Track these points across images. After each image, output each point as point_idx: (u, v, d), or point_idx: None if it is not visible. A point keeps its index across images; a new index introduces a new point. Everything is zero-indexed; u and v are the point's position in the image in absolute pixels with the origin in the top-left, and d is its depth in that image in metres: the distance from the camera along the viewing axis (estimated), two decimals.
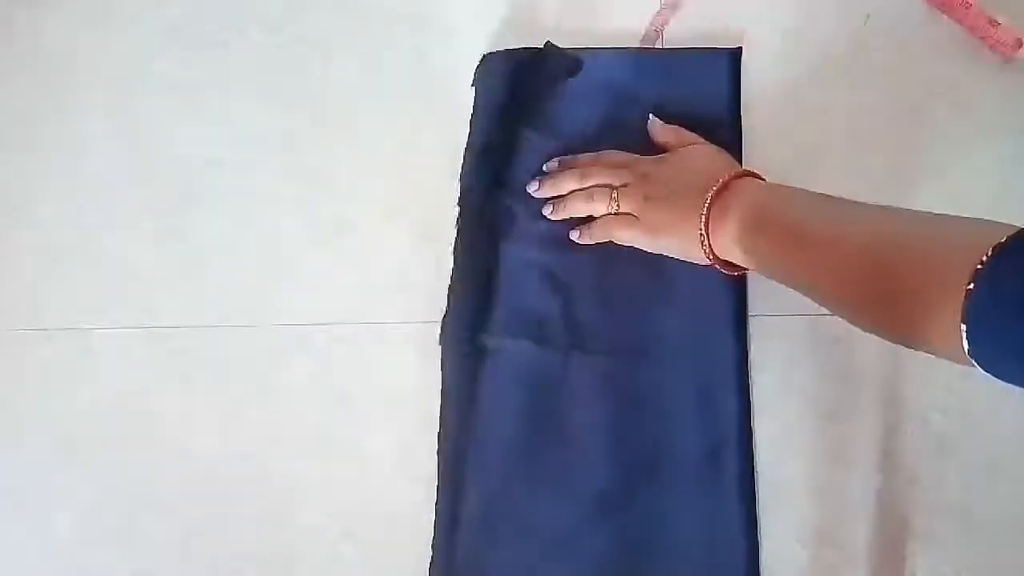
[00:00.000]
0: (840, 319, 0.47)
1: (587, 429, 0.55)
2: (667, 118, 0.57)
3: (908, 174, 0.57)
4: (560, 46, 0.59)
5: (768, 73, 0.59)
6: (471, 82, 0.59)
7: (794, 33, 0.59)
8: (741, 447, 0.53)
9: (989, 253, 0.34)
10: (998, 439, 0.53)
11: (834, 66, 0.59)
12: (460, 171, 0.59)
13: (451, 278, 0.57)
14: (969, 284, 0.34)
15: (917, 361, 0.53)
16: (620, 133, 0.58)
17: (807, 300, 0.48)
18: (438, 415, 0.56)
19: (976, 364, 0.35)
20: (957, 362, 0.36)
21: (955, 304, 0.34)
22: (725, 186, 0.50)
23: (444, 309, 0.57)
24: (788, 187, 0.50)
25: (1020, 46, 0.56)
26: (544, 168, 0.58)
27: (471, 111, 0.59)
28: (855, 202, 0.46)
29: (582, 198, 0.55)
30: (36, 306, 0.61)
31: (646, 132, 0.57)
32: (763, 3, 0.60)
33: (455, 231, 0.58)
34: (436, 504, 0.55)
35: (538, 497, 0.54)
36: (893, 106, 0.58)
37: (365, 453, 0.57)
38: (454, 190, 0.59)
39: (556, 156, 0.58)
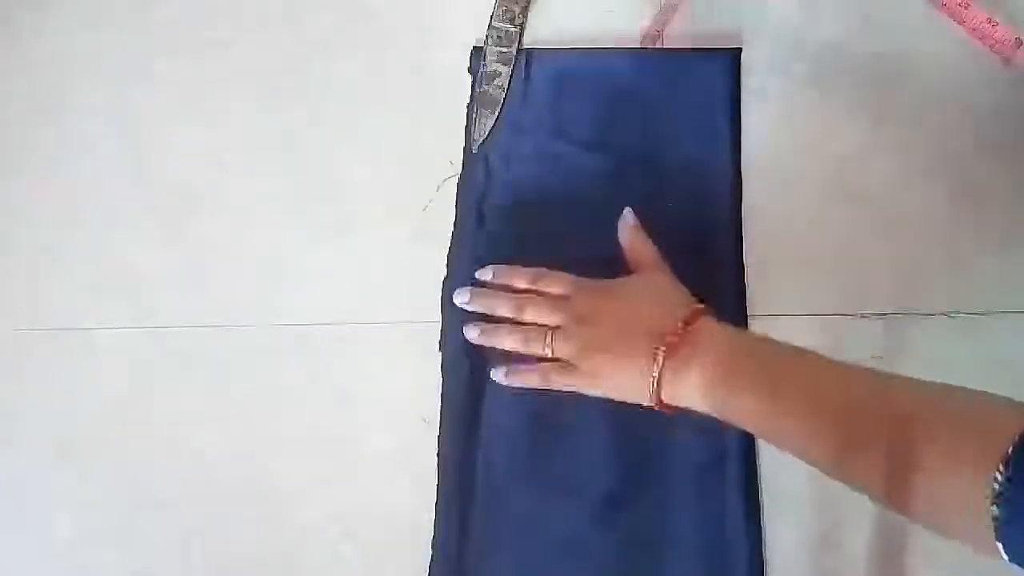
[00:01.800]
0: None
1: (590, 429, 0.54)
2: (667, 118, 0.57)
3: (907, 174, 0.57)
4: (557, 47, 0.59)
5: (768, 73, 0.59)
6: (468, 67, 0.60)
7: (794, 33, 0.59)
8: (744, 448, 0.53)
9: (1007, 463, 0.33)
10: None
11: (834, 66, 0.59)
12: (460, 171, 0.59)
13: (449, 279, 0.57)
14: (994, 508, 0.33)
15: (917, 364, 0.53)
16: (620, 133, 0.58)
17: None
18: (438, 415, 0.56)
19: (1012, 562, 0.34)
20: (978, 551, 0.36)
21: (980, 504, 0.34)
22: (680, 338, 0.47)
23: (442, 309, 0.57)
24: (750, 338, 0.46)
25: (1020, 46, 0.56)
26: (476, 275, 0.55)
27: (469, 110, 0.60)
28: (830, 360, 0.44)
29: (516, 339, 0.52)
30: (36, 306, 0.61)
31: (646, 132, 0.57)
32: (763, 3, 0.60)
33: (453, 231, 0.58)
34: (436, 504, 0.55)
35: (541, 497, 0.54)
36: (892, 106, 0.58)
37: (365, 453, 0.57)
38: (454, 190, 0.59)
39: (555, 156, 0.58)
